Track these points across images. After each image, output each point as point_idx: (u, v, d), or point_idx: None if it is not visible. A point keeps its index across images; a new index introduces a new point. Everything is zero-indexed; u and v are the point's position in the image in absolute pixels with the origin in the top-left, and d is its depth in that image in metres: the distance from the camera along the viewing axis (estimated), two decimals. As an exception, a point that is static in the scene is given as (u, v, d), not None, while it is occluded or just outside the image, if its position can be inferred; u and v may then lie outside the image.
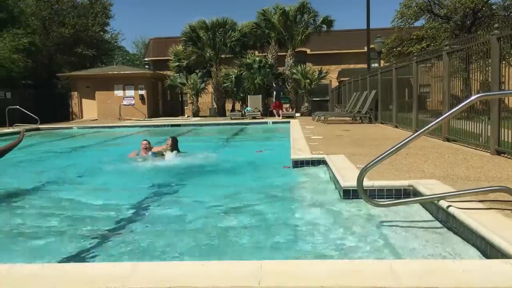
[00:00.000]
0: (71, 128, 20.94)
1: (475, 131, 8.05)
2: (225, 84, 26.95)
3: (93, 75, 28.94)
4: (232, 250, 3.74)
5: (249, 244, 3.83)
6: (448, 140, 9.05)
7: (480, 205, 3.81)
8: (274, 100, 24.69)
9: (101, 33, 34.83)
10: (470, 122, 8.18)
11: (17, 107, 20.88)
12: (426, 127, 4.13)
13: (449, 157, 6.88)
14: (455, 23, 24.22)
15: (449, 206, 3.81)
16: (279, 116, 23.22)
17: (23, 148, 13.21)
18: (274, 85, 26.31)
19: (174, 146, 9.02)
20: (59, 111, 28.37)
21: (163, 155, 8.81)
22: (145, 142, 9.00)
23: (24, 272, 2.74)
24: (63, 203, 5.78)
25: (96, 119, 27.36)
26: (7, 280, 2.58)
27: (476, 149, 7.74)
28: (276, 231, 4.14)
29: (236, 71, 26.45)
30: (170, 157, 8.70)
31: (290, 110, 24.48)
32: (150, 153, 8.86)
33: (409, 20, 26.07)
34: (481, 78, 8.41)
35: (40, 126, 20.13)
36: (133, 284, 2.47)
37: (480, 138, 7.82)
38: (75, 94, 29.23)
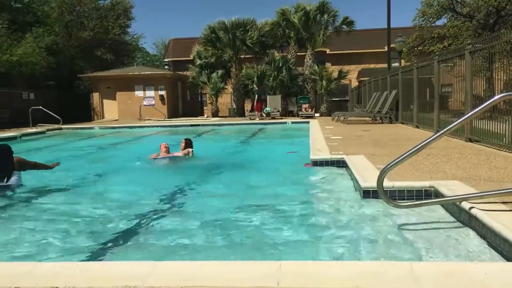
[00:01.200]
0: (92, 128, 21.23)
1: (498, 132, 7.91)
2: (246, 81, 26.81)
3: (114, 76, 29.28)
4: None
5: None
6: (470, 140, 8.91)
7: (503, 206, 3.74)
8: (255, 102, 25.24)
9: (122, 35, 35.20)
10: (493, 122, 8.03)
11: (40, 107, 21.27)
12: (448, 127, 4.07)
13: (472, 158, 6.77)
14: (478, 21, 23.76)
15: (471, 207, 3.75)
16: (260, 117, 23.38)
17: (48, 147, 13.48)
18: (256, 87, 26.62)
19: (188, 146, 9.21)
20: (81, 111, 28.80)
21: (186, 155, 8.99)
22: (164, 144, 9.16)
23: (47, 270, 2.79)
24: (82, 202, 5.86)
25: (117, 119, 27.68)
26: (30, 277, 2.63)
27: (499, 149, 7.60)
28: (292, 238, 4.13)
29: (258, 70, 26.34)
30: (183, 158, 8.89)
31: (309, 110, 24.39)
32: (168, 155, 9.00)
33: (431, 18, 25.69)
34: (504, 78, 8.26)
35: (62, 126, 20.45)
36: (153, 283, 2.49)
37: (504, 139, 7.67)
38: (96, 94, 29.62)
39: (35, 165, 6.98)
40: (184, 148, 9.13)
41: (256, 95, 24.75)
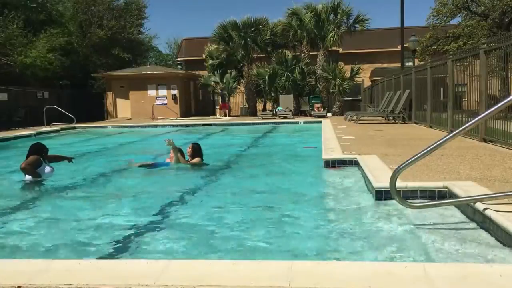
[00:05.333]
0: (105, 127, 21.40)
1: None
2: (260, 79, 26.83)
3: (127, 75, 29.47)
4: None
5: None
6: (485, 140, 8.81)
7: (518, 208, 3.69)
8: (221, 102, 28.73)
9: (136, 34, 35.33)
10: (509, 122, 7.93)
11: (55, 106, 21.49)
12: (463, 127, 4.03)
13: (486, 158, 6.69)
14: (493, 20, 23.46)
15: (485, 208, 3.70)
16: (225, 115, 26.85)
17: (61, 146, 13.59)
18: (220, 90, 28.30)
19: (197, 153, 8.15)
20: (94, 110, 29.07)
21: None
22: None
23: (61, 268, 2.82)
24: (95, 202, 5.90)
25: (130, 119, 27.86)
26: (45, 275, 2.66)
27: (514, 150, 7.50)
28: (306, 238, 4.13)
29: (269, 70, 26.35)
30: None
31: (322, 110, 24.29)
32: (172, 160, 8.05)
33: (445, 17, 25.44)
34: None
35: (76, 125, 20.64)
36: (165, 281, 2.50)
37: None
38: (110, 94, 29.86)
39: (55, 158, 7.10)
40: (192, 155, 8.06)
41: (221, 97, 28.33)
